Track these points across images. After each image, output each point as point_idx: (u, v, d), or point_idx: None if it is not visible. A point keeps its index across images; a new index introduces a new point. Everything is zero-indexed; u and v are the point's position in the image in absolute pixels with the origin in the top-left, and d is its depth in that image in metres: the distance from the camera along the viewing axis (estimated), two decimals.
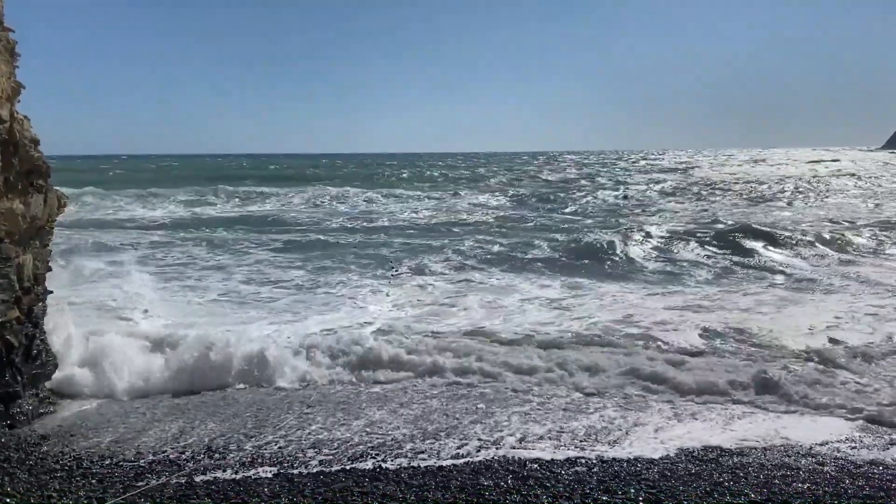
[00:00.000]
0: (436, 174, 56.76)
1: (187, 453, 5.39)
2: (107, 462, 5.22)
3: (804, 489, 4.67)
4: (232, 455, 5.34)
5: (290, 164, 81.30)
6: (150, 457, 5.31)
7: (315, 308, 10.29)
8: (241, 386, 7.08)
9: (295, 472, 5.00)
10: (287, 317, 9.68)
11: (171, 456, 5.33)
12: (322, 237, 18.73)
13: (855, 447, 5.51)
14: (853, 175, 43.25)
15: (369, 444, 5.51)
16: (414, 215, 24.97)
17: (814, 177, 42.85)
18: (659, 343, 8.44)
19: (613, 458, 5.21)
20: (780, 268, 13.92)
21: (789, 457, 5.29)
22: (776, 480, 4.82)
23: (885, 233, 18.24)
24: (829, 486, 4.71)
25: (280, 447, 5.50)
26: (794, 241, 16.70)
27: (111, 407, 6.57)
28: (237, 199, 32.07)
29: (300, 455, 5.33)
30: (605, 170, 61.82)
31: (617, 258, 14.88)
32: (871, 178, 41.10)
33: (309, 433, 5.79)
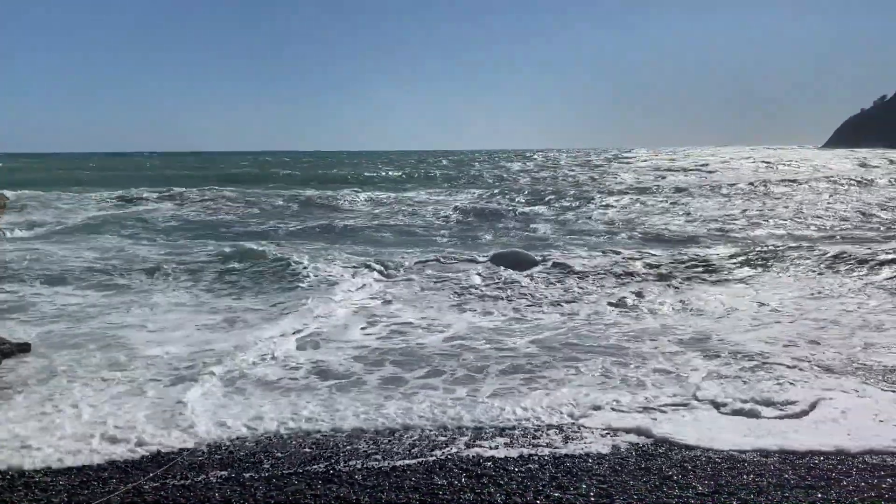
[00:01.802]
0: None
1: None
2: None
3: (749, 480, 4.81)
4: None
5: (266, 162, 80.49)
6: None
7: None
8: None
9: (247, 475, 4.94)
10: None
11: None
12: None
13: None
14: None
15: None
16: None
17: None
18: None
19: (566, 455, 5.28)
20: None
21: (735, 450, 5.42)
22: (723, 473, 4.95)
23: None
24: (772, 478, 4.86)
25: (231, 451, 5.42)
26: None
27: None
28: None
29: (252, 458, 5.26)
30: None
31: None
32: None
33: (263, 434, 5.73)
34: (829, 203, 25.83)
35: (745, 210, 24.15)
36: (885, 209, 23.48)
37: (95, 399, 6.44)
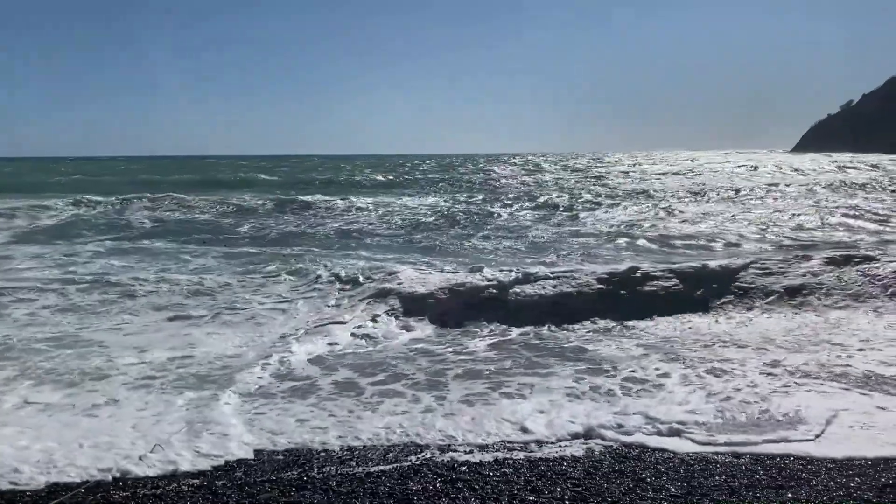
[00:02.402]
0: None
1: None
2: None
3: (721, 482, 4.86)
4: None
5: (242, 166, 78.71)
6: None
7: None
8: None
9: (219, 483, 4.88)
10: None
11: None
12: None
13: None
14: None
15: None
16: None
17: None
18: None
19: (540, 458, 5.29)
20: None
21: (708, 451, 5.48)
22: (696, 474, 5.00)
23: None
24: (744, 478, 4.92)
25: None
26: None
27: None
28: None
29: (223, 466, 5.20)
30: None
31: None
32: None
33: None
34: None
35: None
36: None
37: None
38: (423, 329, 9.40)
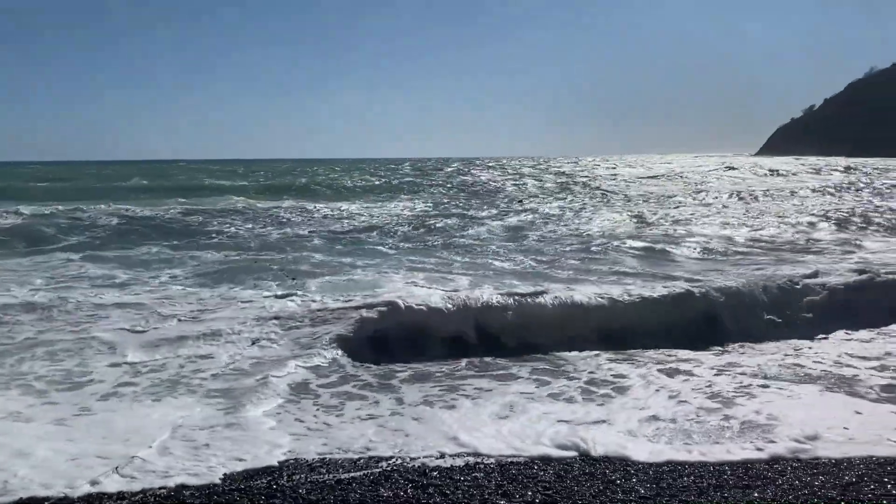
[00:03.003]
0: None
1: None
2: None
3: (690, 482, 4.91)
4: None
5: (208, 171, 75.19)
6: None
7: None
8: None
9: (187, 492, 4.81)
10: None
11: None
12: None
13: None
14: None
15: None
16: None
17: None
18: None
19: (511, 462, 5.30)
20: None
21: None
22: (664, 476, 5.05)
23: None
24: (712, 479, 4.98)
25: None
26: None
27: None
28: None
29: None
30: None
31: None
32: None
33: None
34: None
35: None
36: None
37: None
38: None
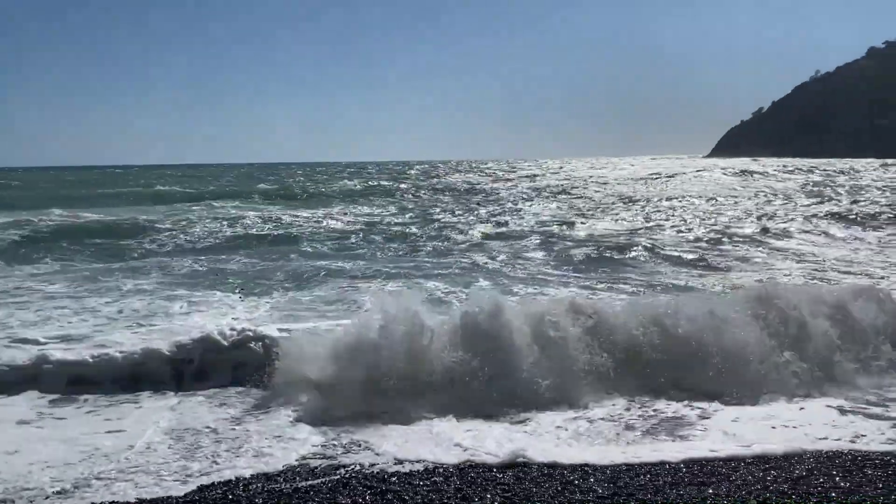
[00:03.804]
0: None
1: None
2: None
3: (646, 481, 4.97)
4: None
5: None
6: None
7: None
8: None
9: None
10: None
11: None
12: None
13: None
14: None
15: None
16: None
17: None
18: None
19: (470, 465, 5.30)
20: None
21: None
22: (622, 474, 5.10)
23: None
24: (668, 476, 5.05)
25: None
26: None
27: None
28: None
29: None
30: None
31: None
32: None
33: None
34: None
35: None
36: None
37: None
38: None
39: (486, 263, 15.09)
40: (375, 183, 52.10)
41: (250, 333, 7.88)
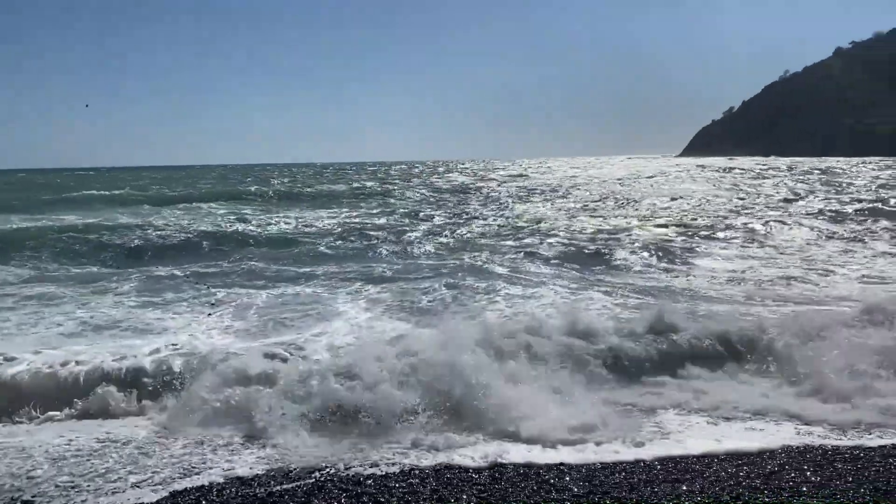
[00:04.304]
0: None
1: None
2: None
3: (621, 479, 5.00)
4: None
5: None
6: None
7: None
8: None
9: None
10: None
11: None
12: None
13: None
14: None
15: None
16: None
17: None
18: None
19: (446, 466, 5.28)
20: None
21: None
22: (597, 473, 5.12)
23: None
24: (643, 474, 5.08)
25: None
26: None
27: None
28: None
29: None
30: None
31: None
32: None
33: None
34: None
35: None
36: None
37: None
38: None
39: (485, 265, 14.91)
40: (360, 184, 51.58)
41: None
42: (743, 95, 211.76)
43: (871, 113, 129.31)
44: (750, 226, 21.61)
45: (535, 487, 4.86)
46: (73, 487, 4.95)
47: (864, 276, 13.51)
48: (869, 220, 22.58)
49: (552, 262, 15.51)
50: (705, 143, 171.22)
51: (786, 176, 51.30)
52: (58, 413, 6.53)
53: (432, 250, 17.80)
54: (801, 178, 48.85)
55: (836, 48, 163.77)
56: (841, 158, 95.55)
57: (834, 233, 20.30)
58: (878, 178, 46.46)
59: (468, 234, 20.95)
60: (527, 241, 19.07)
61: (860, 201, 28.55)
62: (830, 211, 25.27)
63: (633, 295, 11.26)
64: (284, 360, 7.39)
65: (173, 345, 8.24)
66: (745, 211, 26.12)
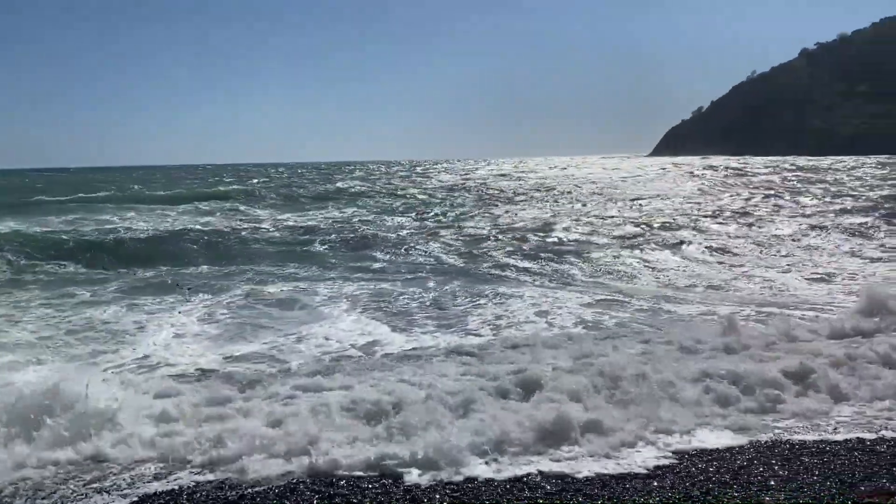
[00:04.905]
0: None
1: None
2: None
3: (593, 476, 5.03)
4: None
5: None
6: None
7: None
8: None
9: None
10: None
11: None
12: None
13: None
14: None
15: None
16: None
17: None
18: None
19: None
20: None
21: None
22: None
23: None
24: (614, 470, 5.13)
25: None
26: None
27: None
28: None
29: None
30: None
31: None
32: None
33: None
34: None
35: None
36: None
37: None
38: None
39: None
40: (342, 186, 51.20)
41: None
42: (711, 95, 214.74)
43: (836, 113, 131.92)
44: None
45: (507, 486, 4.87)
46: None
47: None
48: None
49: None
50: (675, 142, 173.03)
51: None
52: None
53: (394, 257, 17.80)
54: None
55: (801, 49, 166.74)
56: (812, 158, 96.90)
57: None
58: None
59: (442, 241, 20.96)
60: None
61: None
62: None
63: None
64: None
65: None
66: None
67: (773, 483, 4.85)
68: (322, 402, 6.21)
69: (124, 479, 5.06)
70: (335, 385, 6.84)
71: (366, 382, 6.88)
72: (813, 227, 21.70)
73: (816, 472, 5.02)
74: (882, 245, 18.24)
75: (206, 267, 15.86)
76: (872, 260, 16.07)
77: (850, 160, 78.11)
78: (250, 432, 5.56)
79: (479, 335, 9.53)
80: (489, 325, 10.14)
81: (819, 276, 14.08)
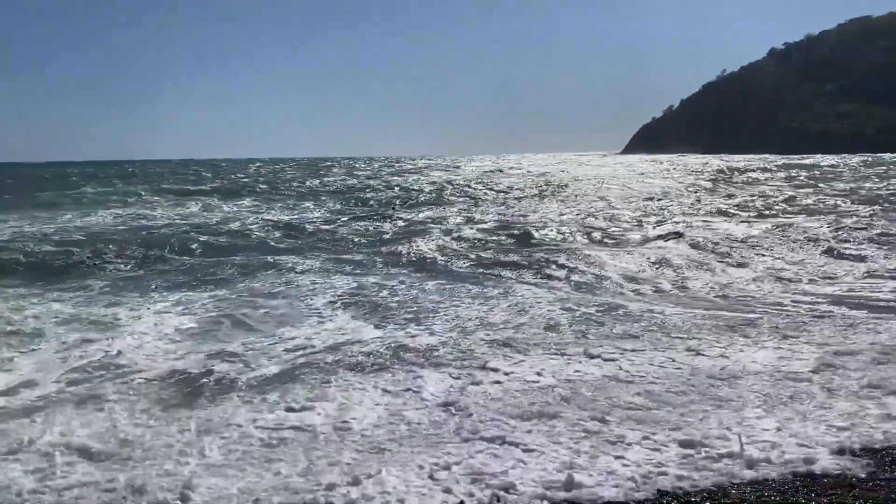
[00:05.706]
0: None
1: None
2: None
3: None
4: None
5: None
6: None
7: None
8: None
9: None
10: None
11: None
12: None
13: None
14: None
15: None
16: None
17: None
18: None
19: None
20: None
21: None
22: None
23: None
24: None
25: None
26: None
27: None
28: None
29: None
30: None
31: None
32: None
33: None
34: None
35: None
36: None
37: None
38: None
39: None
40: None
41: None
42: (681, 94, 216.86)
43: (804, 112, 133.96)
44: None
45: None
46: None
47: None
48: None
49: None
50: (645, 141, 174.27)
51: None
52: None
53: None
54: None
55: (770, 49, 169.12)
56: (781, 156, 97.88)
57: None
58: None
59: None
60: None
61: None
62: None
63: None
64: None
65: None
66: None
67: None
68: None
69: None
70: None
71: None
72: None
73: None
74: None
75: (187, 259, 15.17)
76: None
77: (832, 158, 79.06)
78: None
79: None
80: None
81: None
